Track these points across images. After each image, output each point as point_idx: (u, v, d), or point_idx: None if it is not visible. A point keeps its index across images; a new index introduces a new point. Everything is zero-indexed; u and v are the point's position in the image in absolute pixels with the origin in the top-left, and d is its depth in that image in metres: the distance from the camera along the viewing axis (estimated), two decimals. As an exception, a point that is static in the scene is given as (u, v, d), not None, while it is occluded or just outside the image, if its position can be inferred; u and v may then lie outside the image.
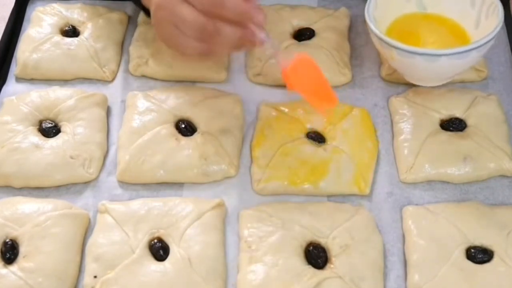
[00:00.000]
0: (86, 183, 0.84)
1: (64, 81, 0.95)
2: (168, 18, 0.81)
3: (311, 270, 0.75)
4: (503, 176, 0.85)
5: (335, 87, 0.94)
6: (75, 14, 1.01)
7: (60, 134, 0.87)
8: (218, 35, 0.80)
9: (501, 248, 0.76)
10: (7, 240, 0.76)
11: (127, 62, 0.97)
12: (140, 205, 0.80)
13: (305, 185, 0.82)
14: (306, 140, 0.86)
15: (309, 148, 0.85)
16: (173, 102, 0.89)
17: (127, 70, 0.96)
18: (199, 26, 0.79)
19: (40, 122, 0.88)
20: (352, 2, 1.03)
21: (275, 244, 0.77)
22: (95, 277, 0.74)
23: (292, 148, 0.85)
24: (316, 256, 0.76)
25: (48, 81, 0.95)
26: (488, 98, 0.91)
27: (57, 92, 0.91)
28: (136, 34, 0.99)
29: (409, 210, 0.81)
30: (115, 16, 1.02)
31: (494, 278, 0.74)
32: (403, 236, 0.79)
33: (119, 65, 0.98)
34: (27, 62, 0.95)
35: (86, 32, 0.98)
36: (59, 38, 0.98)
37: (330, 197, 0.83)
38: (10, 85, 0.95)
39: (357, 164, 0.84)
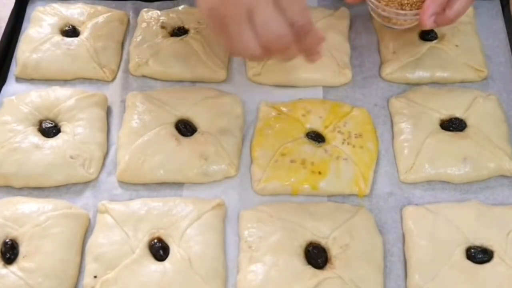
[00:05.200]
0: (86, 183, 0.84)
1: (64, 81, 0.95)
2: (251, 7, 0.71)
3: (311, 270, 0.75)
4: (503, 176, 0.85)
5: (335, 87, 0.94)
6: (75, 14, 1.01)
7: (60, 134, 0.87)
8: (286, 52, 0.76)
9: (501, 248, 0.76)
10: (7, 240, 0.76)
11: (127, 62, 0.97)
12: (140, 205, 0.80)
13: (305, 185, 0.82)
14: (306, 140, 0.86)
15: (309, 148, 0.85)
16: (173, 102, 0.89)
17: (127, 70, 0.96)
18: (281, 38, 0.73)
19: (40, 122, 0.88)
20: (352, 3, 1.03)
21: (275, 244, 0.77)
22: (95, 277, 0.74)
23: (292, 148, 0.85)
24: (316, 256, 0.76)
25: (48, 81, 0.95)
26: (488, 98, 0.91)
27: (57, 92, 0.91)
28: (136, 34, 0.99)
29: (409, 210, 0.81)
30: (115, 16, 1.02)
31: (494, 278, 0.74)
32: (403, 236, 0.79)
33: (119, 65, 0.98)
34: (27, 62, 0.95)
35: (86, 32, 0.98)
36: (59, 38, 0.98)
37: (330, 197, 0.83)
38: (10, 85, 0.95)
39: (357, 164, 0.84)
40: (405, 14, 0.90)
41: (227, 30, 0.72)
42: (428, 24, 0.86)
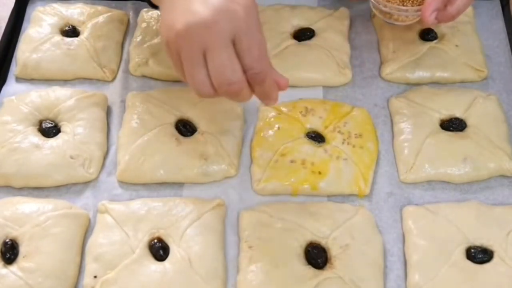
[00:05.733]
0: (86, 183, 0.84)
1: (64, 81, 0.95)
2: (207, 47, 0.68)
3: (311, 270, 0.75)
4: (503, 176, 0.85)
5: (335, 87, 0.94)
6: (75, 14, 1.01)
7: (60, 134, 0.87)
8: (237, 96, 0.72)
9: (501, 248, 0.76)
10: (7, 240, 0.76)
11: (127, 62, 0.97)
12: (140, 205, 0.80)
13: (305, 185, 0.82)
14: (306, 140, 0.86)
15: (309, 148, 0.85)
16: (173, 102, 0.89)
17: (127, 70, 0.96)
18: (233, 84, 0.69)
19: (40, 122, 0.88)
20: (352, 2, 1.03)
21: (275, 244, 0.77)
22: (95, 277, 0.74)
23: (292, 148, 0.85)
24: (316, 256, 0.76)
25: (48, 81, 0.95)
26: (488, 98, 0.91)
27: (57, 92, 0.91)
28: (136, 34, 0.99)
29: (409, 210, 0.81)
30: (115, 16, 1.02)
31: (494, 278, 0.74)
32: (403, 236, 0.79)
33: (119, 65, 0.98)
34: (27, 62, 0.95)
35: (86, 32, 0.98)
36: (59, 38, 0.97)
37: (330, 197, 0.83)
38: (10, 85, 0.95)
39: (357, 164, 0.84)
40: (407, 10, 0.90)
41: (182, 66, 0.70)
42: (430, 20, 0.86)
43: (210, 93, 0.71)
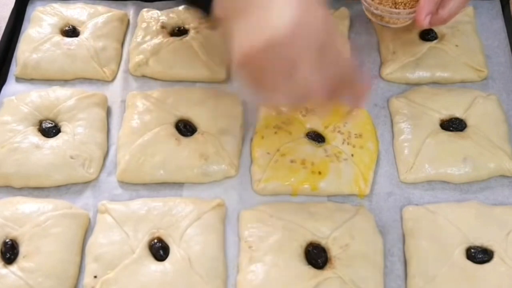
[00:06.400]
0: (86, 183, 0.84)
1: (64, 81, 0.95)
2: (294, 60, 0.66)
3: (311, 270, 0.75)
4: (503, 176, 0.85)
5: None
6: (75, 14, 1.01)
7: (60, 134, 0.87)
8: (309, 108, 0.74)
9: (501, 248, 0.76)
10: (7, 240, 0.76)
11: (127, 62, 0.97)
12: (140, 205, 0.80)
13: (305, 185, 0.82)
14: (306, 140, 0.86)
15: (309, 148, 0.85)
16: (173, 102, 0.89)
17: (127, 70, 0.96)
18: (315, 94, 0.69)
19: (40, 122, 0.88)
20: (352, 2, 1.03)
21: (275, 244, 0.77)
22: (95, 277, 0.74)
23: (292, 148, 0.85)
24: (316, 256, 0.76)
25: (48, 81, 0.95)
26: (488, 98, 0.91)
27: (57, 92, 0.91)
28: (136, 34, 0.99)
29: (409, 210, 0.81)
30: (115, 16, 1.02)
31: (494, 278, 0.74)
32: (403, 236, 0.79)
33: (119, 65, 0.98)
34: (27, 62, 0.95)
35: (86, 32, 0.98)
36: (59, 38, 0.97)
37: (330, 197, 0.83)
38: (10, 85, 0.95)
39: (357, 164, 0.84)
40: (399, 13, 0.90)
41: (261, 80, 0.68)
42: (424, 23, 0.86)
43: (287, 106, 0.72)
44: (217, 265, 0.76)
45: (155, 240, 0.77)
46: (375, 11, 0.92)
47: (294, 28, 0.64)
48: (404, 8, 0.90)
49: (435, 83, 0.94)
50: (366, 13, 0.95)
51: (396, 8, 0.90)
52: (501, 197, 0.83)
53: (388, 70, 0.94)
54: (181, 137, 0.86)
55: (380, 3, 0.91)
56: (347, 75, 0.71)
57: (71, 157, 0.84)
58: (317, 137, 0.87)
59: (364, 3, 0.93)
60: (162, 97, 0.90)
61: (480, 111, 0.89)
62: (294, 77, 0.66)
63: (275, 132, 0.87)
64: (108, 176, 0.85)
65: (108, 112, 0.92)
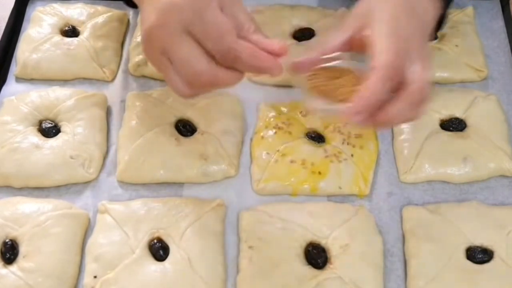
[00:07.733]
0: (86, 183, 0.84)
1: (64, 81, 0.95)
2: (164, 47, 0.68)
3: (311, 270, 0.75)
4: (503, 176, 0.85)
5: (335, 87, 0.94)
6: (75, 14, 1.01)
7: (60, 134, 0.87)
8: (215, 84, 0.70)
9: (501, 248, 0.76)
10: (7, 240, 0.76)
11: (127, 62, 0.97)
12: (140, 205, 0.80)
13: (305, 185, 0.82)
14: (306, 140, 0.86)
15: (309, 148, 0.85)
16: (173, 102, 0.89)
17: (127, 70, 0.96)
18: (201, 75, 0.68)
19: (40, 122, 0.88)
20: (352, 2, 1.03)
21: (275, 244, 0.76)
22: (95, 277, 0.74)
23: (292, 148, 0.85)
24: (316, 256, 0.76)
25: (48, 81, 0.95)
26: (488, 98, 0.91)
27: (57, 92, 0.91)
28: (136, 34, 0.99)
29: (409, 210, 0.81)
30: (115, 16, 1.01)
31: (494, 278, 0.74)
32: (403, 236, 0.79)
33: (119, 65, 0.98)
34: (27, 62, 0.95)
35: (86, 32, 0.98)
36: (59, 38, 0.97)
37: (330, 197, 0.83)
38: (10, 85, 0.95)
39: (357, 164, 0.84)
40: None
41: (154, 62, 0.72)
42: (354, 119, 0.67)
43: (186, 91, 0.71)
44: (217, 265, 0.76)
45: (155, 240, 0.77)
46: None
47: (159, 16, 0.66)
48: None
49: (435, 83, 0.94)
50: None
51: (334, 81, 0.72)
52: (501, 197, 0.83)
53: (388, 70, 0.94)
54: (181, 137, 0.86)
55: (311, 79, 0.72)
56: (224, 46, 0.66)
57: (71, 157, 0.84)
58: (317, 137, 0.87)
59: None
60: (162, 97, 0.90)
61: (480, 111, 0.89)
62: (173, 64, 0.69)
63: (275, 132, 0.87)
64: (108, 176, 0.85)
65: (108, 112, 0.92)
